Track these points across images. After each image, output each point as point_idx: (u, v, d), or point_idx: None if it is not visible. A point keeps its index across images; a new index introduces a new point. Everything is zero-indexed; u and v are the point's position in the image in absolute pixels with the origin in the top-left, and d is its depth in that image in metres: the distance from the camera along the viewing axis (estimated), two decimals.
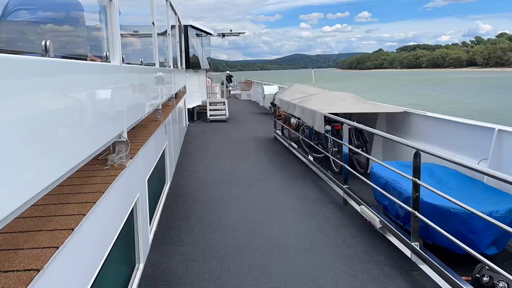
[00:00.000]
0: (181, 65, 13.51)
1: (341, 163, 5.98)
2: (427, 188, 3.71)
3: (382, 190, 4.63)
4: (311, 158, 7.76)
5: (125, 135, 3.21)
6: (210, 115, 15.11)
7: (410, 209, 3.88)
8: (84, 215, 2.10)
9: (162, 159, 6.15)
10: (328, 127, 7.04)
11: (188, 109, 14.70)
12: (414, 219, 3.85)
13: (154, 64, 5.62)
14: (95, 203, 2.30)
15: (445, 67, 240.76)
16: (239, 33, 18.39)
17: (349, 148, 6.04)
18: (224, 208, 5.63)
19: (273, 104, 11.18)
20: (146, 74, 4.61)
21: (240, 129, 13.23)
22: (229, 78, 26.69)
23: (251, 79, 28.88)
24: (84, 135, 2.31)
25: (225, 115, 15.15)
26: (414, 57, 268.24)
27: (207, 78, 23.57)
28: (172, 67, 8.50)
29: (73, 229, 1.92)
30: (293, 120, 9.57)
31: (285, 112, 9.70)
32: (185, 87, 13.98)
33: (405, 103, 31.48)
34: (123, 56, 3.41)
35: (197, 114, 16.24)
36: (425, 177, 4.15)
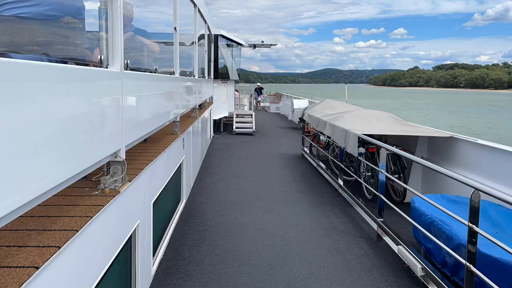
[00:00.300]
0: (209, 75, 13.16)
1: (376, 192, 5.28)
2: (486, 238, 2.99)
3: (425, 231, 3.92)
4: (340, 182, 7.07)
5: (122, 154, 2.69)
6: (236, 127, 14.64)
7: (463, 261, 3.16)
8: (59, 247, 1.73)
9: (177, 175, 5.65)
10: (362, 150, 6.36)
11: (214, 120, 14.30)
12: (468, 274, 3.13)
13: (173, 73, 5.15)
14: (77, 231, 1.93)
15: (484, 87, 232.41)
16: (271, 44, 17.96)
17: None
18: (241, 235, 5.03)
19: (301, 119, 10.56)
20: (159, 83, 4.10)
21: (266, 144, 12.66)
22: (259, 90, 26.23)
23: (281, 92, 28.38)
24: (68, 152, 1.90)
25: (251, 128, 14.64)
26: (451, 76, 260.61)
27: (236, 90, 23.31)
28: (197, 76, 8.06)
29: (37, 268, 1.54)
30: (322, 138, 8.92)
31: (314, 129, 9.07)
32: (212, 97, 13.60)
33: (445, 124, 30.02)
34: (127, 61, 2.92)
35: (223, 126, 15.82)
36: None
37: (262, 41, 17.42)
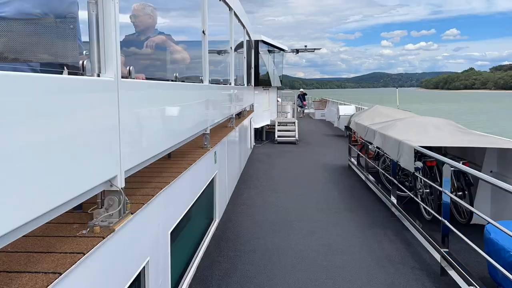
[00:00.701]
0: (249, 82, 12.69)
1: (438, 216, 4.44)
2: None
3: (507, 272, 3.08)
4: (393, 199, 6.23)
5: (118, 182, 2.16)
6: (278, 136, 14.02)
7: None
8: None
9: (208, 192, 5.13)
10: (419, 164, 5.51)
11: (256, 128, 13.79)
12: None
13: (201, 81, 4.65)
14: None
15: None
16: (314, 49, 17.22)
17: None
18: (278, 264, 4.40)
19: (348, 127, 9.75)
20: (177, 91, 3.57)
21: (310, 154, 11.92)
22: (302, 97, 25.42)
23: (326, 98, 27.44)
24: (46, 179, 1.52)
25: (294, 136, 13.96)
26: (511, 77, 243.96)
27: (278, 97, 22.74)
28: (233, 84, 7.56)
29: None
30: (371, 147, 8.09)
31: (362, 139, 8.25)
32: (252, 105, 13.11)
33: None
34: (130, 68, 2.41)
35: (266, 134, 15.27)
36: None
37: (306, 46, 16.76)
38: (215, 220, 5.57)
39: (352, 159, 9.63)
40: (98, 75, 2.06)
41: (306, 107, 25.74)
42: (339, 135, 16.06)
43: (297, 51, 17.00)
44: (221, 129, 6.89)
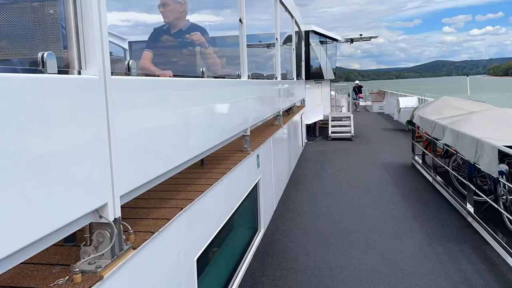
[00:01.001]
0: (299, 75, 11.97)
1: None
2: None
3: None
4: (470, 207, 5.28)
5: (110, 212, 1.64)
6: (332, 132, 13.15)
7: None
8: None
9: (251, 201, 4.59)
10: (504, 167, 4.54)
11: (308, 125, 13.05)
12: None
13: (238, 76, 4.09)
14: None
15: None
16: (370, 37, 16.02)
17: None
18: None
19: (411, 122, 8.73)
20: (200, 90, 2.98)
21: (368, 151, 10.97)
22: (358, 89, 23.98)
23: (385, 89, 25.84)
24: (10, 211, 1.16)
25: (350, 132, 13.02)
26: None
27: (332, 90, 21.70)
28: (280, 78, 6.94)
29: None
30: (439, 143, 7.09)
31: (428, 135, 7.26)
32: (303, 100, 12.39)
33: None
34: (129, 63, 1.89)
35: (319, 130, 14.47)
36: None
37: (361, 34, 15.63)
38: (260, 230, 5.00)
39: (416, 157, 8.62)
40: (79, 72, 1.55)
41: (362, 99, 24.18)
42: (400, 130, 14.82)
43: (352, 40, 15.92)
44: (267, 128, 6.32)
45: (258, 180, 4.81)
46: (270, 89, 6.26)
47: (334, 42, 15.64)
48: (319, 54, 13.63)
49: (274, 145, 6.05)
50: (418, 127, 8.35)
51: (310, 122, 12.98)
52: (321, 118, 14.06)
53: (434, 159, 7.09)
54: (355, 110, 22.79)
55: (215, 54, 3.67)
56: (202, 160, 3.34)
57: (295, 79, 9.72)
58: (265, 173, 5.18)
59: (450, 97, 8.21)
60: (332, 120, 13.52)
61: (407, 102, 14.54)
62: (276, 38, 6.77)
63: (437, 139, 6.69)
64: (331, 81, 16.04)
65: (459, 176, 5.94)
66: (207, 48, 3.52)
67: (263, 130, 5.99)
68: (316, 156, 10.43)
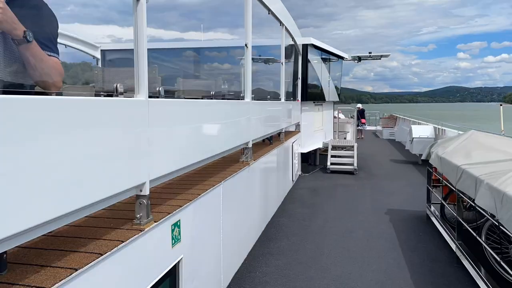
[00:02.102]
0: (294, 96, 10.18)
1: None
2: None
3: None
4: None
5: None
6: (332, 164, 11.20)
7: None
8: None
9: None
10: None
11: (307, 152, 11.16)
12: None
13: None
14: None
15: None
16: (381, 56, 14.16)
17: None
18: None
19: (426, 160, 6.77)
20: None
21: (371, 190, 9.00)
22: (360, 113, 21.54)
23: (396, 114, 23.88)
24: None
25: (352, 164, 11.06)
26: None
27: (337, 113, 19.79)
28: (249, 98, 5.09)
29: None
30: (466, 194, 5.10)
31: (450, 183, 5.32)
32: (298, 125, 10.55)
33: None
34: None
35: (320, 159, 12.57)
36: None
37: (370, 52, 13.83)
38: None
39: (433, 207, 6.64)
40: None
41: (365, 125, 21.75)
42: (412, 162, 12.83)
43: (359, 59, 14.08)
44: (225, 166, 4.48)
45: (180, 260, 2.90)
46: (237, 112, 4.47)
47: (339, 59, 13.85)
48: (320, 72, 11.81)
49: (230, 192, 4.16)
50: (436, 169, 6.40)
51: (305, 150, 11.08)
52: (320, 146, 12.15)
53: (459, 220, 5.09)
54: (359, 137, 20.71)
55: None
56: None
57: (283, 99, 7.88)
58: (196, 245, 3.26)
59: (480, 132, 6.25)
60: (332, 149, 11.59)
61: (421, 131, 12.57)
62: (246, 44, 4.95)
63: (463, 194, 4.74)
64: (335, 103, 14.18)
65: (498, 258, 3.95)
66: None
67: (214, 171, 4.14)
68: (307, 195, 8.48)
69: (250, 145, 5.04)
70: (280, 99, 7.78)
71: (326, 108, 13.10)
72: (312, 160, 13.07)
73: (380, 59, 14.37)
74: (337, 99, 13.88)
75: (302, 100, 10.66)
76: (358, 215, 6.95)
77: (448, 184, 5.51)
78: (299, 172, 10.68)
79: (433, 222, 6.35)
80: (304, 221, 6.61)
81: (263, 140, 7.45)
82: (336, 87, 13.64)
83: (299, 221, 6.56)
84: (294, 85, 10.55)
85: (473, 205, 4.36)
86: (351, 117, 19.58)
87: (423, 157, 6.78)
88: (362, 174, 10.86)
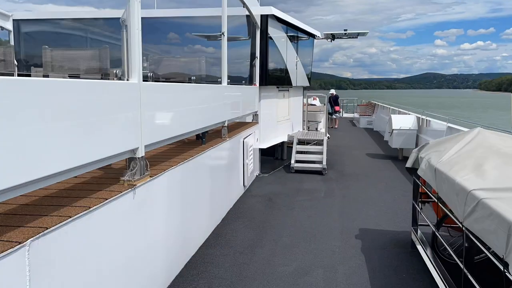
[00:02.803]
0: (252, 80, 8.28)
1: None
2: None
3: None
4: None
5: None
6: (297, 161, 9.37)
7: None
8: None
9: None
10: None
11: (264, 149, 9.28)
12: None
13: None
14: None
15: None
16: (358, 33, 12.30)
17: None
18: None
19: (412, 169, 4.95)
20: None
21: (342, 199, 7.22)
22: (334, 100, 19.24)
23: (375, 101, 22.27)
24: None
25: (321, 162, 9.25)
26: None
27: (312, 100, 17.95)
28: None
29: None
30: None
31: (448, 208, 3.53)
32: (256, 114, 8.66)
33: None
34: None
35: (287, 151, 10.76)
36: None
37: (345, 30, 11.93)
38: None
39: (419, 231, 4.88)
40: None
41: (338, 114, 19.68)
42: (391, 157, 11.16)
43: (333, 36, 12.17)
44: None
45: None
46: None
47: (310, 38, 11.92)
48: (286, 51, 9.86)
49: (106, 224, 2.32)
50: (424, 181, 4.61)
51: (266, 145, 9.20)
52: (285, 139, 10.29)
53: (466, 272, 3.30)
54: (332, 127, 18.94)
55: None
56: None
57: (224, 83, 5.93)
58: None
59: (488, 131, 4.46)
60: (298, 143, 9.75)
61: (402, 122, 10.85)
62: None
63: (479, 238, 2.94)
64: (305, 88, 12.30)
65: None
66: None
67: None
68: (259, 208, 6.60)
69: (140, 155, 3.10)
70: (219, 82, 5.84)
71: (294, 94, 11.21)
72: (279, 154, 11.25)
73: (357, 37, 12.50)
74: (307, 84, 12.00)
75: (261, 84, 8.73)
76: (320, 241, 5.13)
77: (448, 211, 3.72)
78: (257, 172, 8.82)
79: (418, 251, 4.59)
80: (244, 253, 4.73)
81: (197, 137, 5.54)
82: (306, 70, 11.73)
83: (236, 255, 4.67)
84: (252, 66, 8.60)
85: (497, 262, 2.56)
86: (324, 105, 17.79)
87: (407, 165, 4.97)
88: (333, 174, 9.09)
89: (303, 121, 11.96)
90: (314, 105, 16.57)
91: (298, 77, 10.90)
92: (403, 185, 8.07)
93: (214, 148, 5.29)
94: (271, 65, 9.17)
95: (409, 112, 12.68)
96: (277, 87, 9.80)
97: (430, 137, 9.88)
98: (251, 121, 8.59)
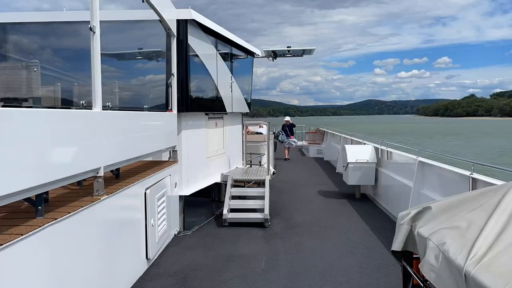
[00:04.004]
0: (168, 105, 6.16)
1: None
2: None
3: None
4: None
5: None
6: (231, 210, 7.20)
7: None
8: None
9: None
10: None
11: (188, 196, 7.03)
12: None
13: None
14: None
15: None
16: (303, 50, 10.64)
17: None
18: None
19: (400, 253, 2.98)
20: None
21: (290, 269, 5.11)
22: (289, 128, 17.45)
23: (323, 128, 20.86)
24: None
25: (262, 210, 7.15)
26: None
27: (259, 128, 16.06)
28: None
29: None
30: None
31: None
32: (173, 150, 6.48)
33: None
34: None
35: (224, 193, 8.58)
36: None
37: (289, 47, 10.27)
38: None
39: None
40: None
41: (294, 143, 17.78)
42: (347, 195, 9.35)
43: (275, 54, 10.45)
44: None
45: None
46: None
47: (249, 57, 10.06)
48: (216, 70, 7.85)
49: None
50: (417, 261, 2.66)
51: (191, 191, 6.96)
52: (218, 179, 8.14)
53: None
54: (285, 159, 17.10)
55: None
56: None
57: (98, 108, 3.73)
58: None
59: None
60: (233, 186, 7.62)
61: (358, 153, 9.13)
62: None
63: None
64: (243, 115, 10.29)
65: None
66: None
67: None
68: None
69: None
70: (90, 108, 3.63)
71: (231, 123, 9.16)
72: (215, 194, 9.07)
73: (302, 55, 10.84)
74: (247, 110, 10.03)
75: (181, 110, 6.58)
76: None
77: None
78: (176, 230, 6.53)
79: None
80: None
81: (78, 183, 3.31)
82: (245, 93, 9.78)
83: None
84: (167, 87, 6.46)
85: None
86: (272, 133, 15.91)
87: (393, 248, 3.00)
88: (278, 225, 7.01)
89: (244, 154, 9.92)
90: (261, 133, 14.67)
91: (234, 101, 8.89)
92: (366, 239, 6.19)
93: (78, 213, 3.03)
94: (195, 85, 7.09)
95: (365, 141, 11.06)
96: (206, 114, 7.70)
97: (393, 172, 8.18)
98: (166, 160, 6.38)
